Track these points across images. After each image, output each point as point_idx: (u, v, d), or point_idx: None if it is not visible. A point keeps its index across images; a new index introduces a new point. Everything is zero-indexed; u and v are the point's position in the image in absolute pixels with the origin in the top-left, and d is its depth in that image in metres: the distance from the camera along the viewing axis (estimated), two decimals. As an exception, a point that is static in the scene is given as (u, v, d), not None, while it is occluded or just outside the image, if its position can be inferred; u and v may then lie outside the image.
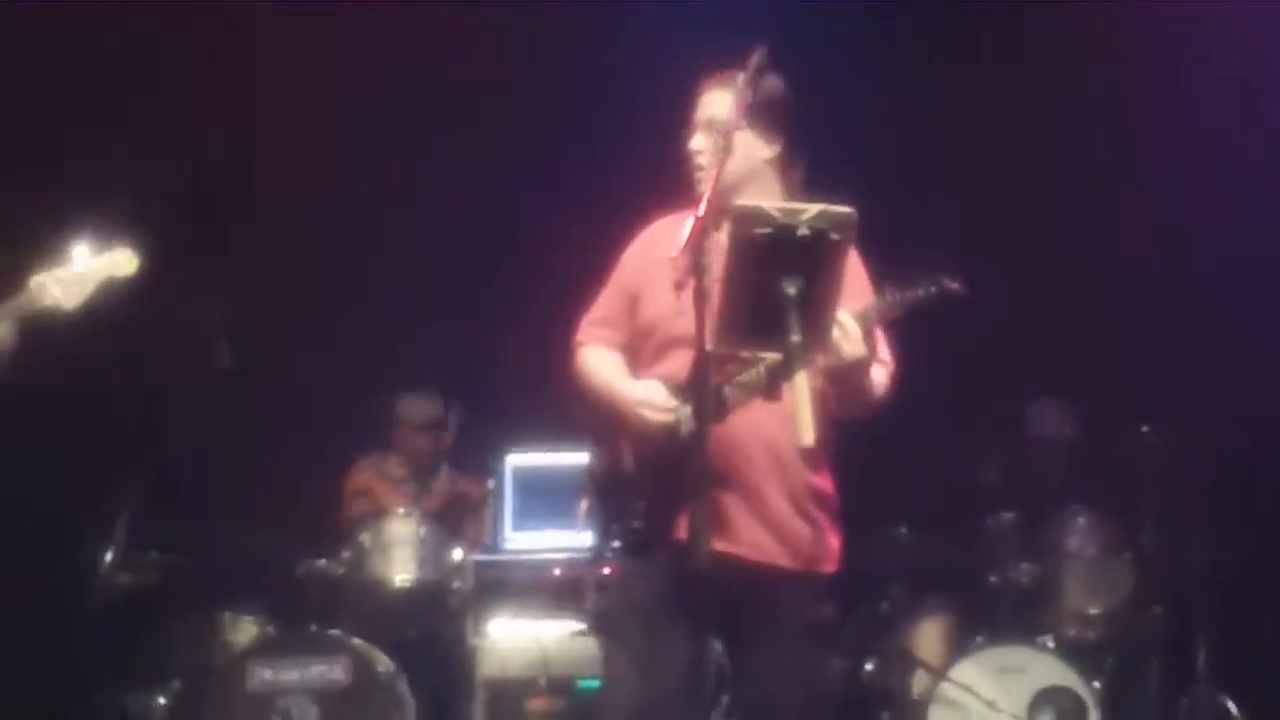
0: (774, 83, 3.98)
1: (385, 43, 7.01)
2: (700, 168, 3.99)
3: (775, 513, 3.88)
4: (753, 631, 3.92)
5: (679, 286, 3.68)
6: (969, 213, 7.02)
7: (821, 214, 3.45)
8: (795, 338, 3.42)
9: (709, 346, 3.51)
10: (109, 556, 6.15)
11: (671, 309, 3.87)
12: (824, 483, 4.00)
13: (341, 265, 7.21)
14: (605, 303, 4.20)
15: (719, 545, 3.62)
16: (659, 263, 3.96)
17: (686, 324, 3.67)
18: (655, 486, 3.89)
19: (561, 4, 7.04)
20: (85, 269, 4.45)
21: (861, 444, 4.10)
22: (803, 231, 3.44)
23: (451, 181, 7.15)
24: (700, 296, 3.50)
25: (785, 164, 4.04)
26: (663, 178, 4.07)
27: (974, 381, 6.78)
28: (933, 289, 3.76)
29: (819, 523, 3.95)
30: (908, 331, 3.95)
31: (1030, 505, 6.47)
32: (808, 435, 3.43)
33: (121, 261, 4.49)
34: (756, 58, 3.63)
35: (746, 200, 3.73)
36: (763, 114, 3.93)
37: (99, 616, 6.16)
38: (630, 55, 6.86)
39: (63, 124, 6.65)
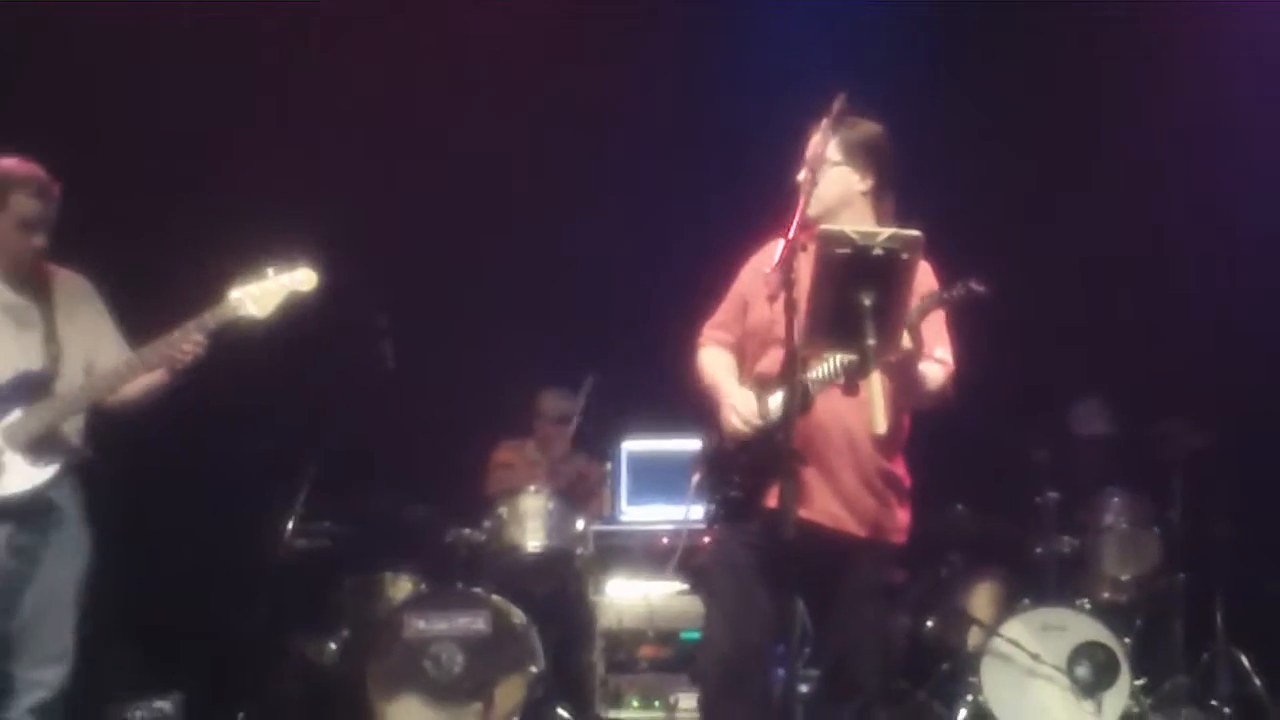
0: (872, 127, 4.17)
1: (534, 61, 6.92)
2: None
3: (848, 488, 4.00)
4: (830, 590, 4.00)
5: (771, 298, 3.83)
6: (1022, 226, 7.02)
7: (893, 236, 3.60)
8: (870, 341, 3.55)
9: (797, 348, 3.65)
10: (290, 525, 6.34)
11: (768, 316, 4.00)
12: (895, 466, 4.12)
13: (485, 274, 7.23)
14: (723, 310, 4.35)
15: (802, 513, 3.77)
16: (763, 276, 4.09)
17: (779, 328, 3.84)
18: (749, 462, 4.01)
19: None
20: (273, 284, 4.57)
21: (926, 433, 4.19)
22: (877, 251, 3.58)
23: (580, 202, 7.16)
24: (790, 306, 3.64)
25: (877, 196, 4.16)
26: (779, 204, 4.11)
27: (1025, 378, 6.77)
28: (961, 291, 3.88)
29: (888, 500, 4.06)
30: (968, 336, 4.08)
31: (1072, 486, 6.50)
32: (880, 424, 3.56)
33: (303, 279, 4.61)
34: (837, 104, 3.77)
35: (836, 225, 3.87)
36: (859, 153, 4.12)
37: (282, 575, 6.33)
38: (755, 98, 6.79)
39: (254, 161, 6.72)
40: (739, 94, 7.01)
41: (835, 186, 4.11)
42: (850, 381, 3.87)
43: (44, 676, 4.54)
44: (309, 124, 6.87)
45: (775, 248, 3.99)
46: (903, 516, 4.15)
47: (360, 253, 6.39)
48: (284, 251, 4.64)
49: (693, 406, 4.40)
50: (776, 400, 3.97)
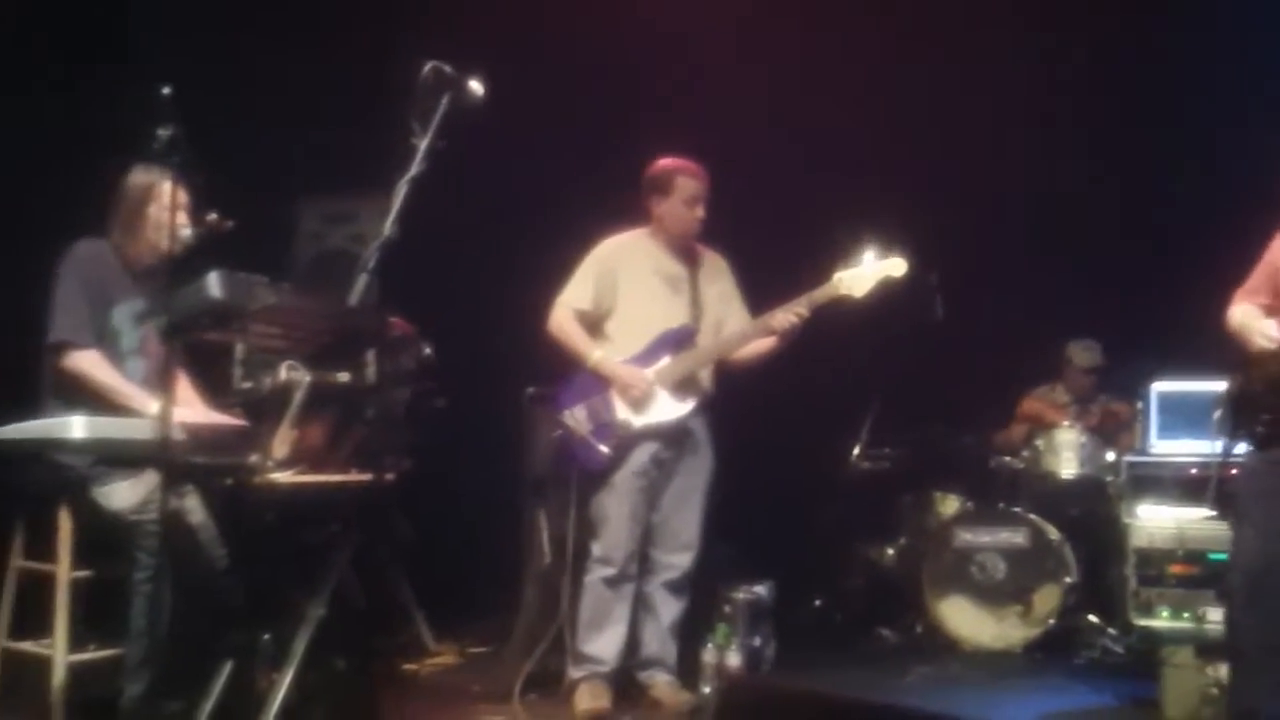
0: None
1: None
2: None
3: None
4: None
5: None
6: None
7: None
8: None
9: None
10: (856, 450, 6.51)
11: None
12: None
13: (1019, 233, 6.90)
14: (1254, 278, 4.15)
15: None
16: None
17: None
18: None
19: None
20: (870, 269, 4.62)
21: None
22: None
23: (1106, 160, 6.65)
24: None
25: None
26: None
27: None
28: None
29: None
30: None
31: None
32: None
33: (895, 266, 4.64)
34: None
35: None
36: None
37: (850, 491, 6.52)
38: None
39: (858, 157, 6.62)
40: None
41: None
42: None
43: (675, 560, 4.87)
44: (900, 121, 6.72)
45: None
46: None
47: (919, 222, 6.20)
48: (880, 240, 4.65)
49: (1215, 353, 4.19)
50: None
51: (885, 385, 6.50)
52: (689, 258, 4.95)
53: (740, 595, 5.31)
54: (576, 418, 4.77)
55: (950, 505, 6.43)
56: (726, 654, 5.14)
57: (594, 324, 4.85)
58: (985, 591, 5.99)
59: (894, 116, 6.66)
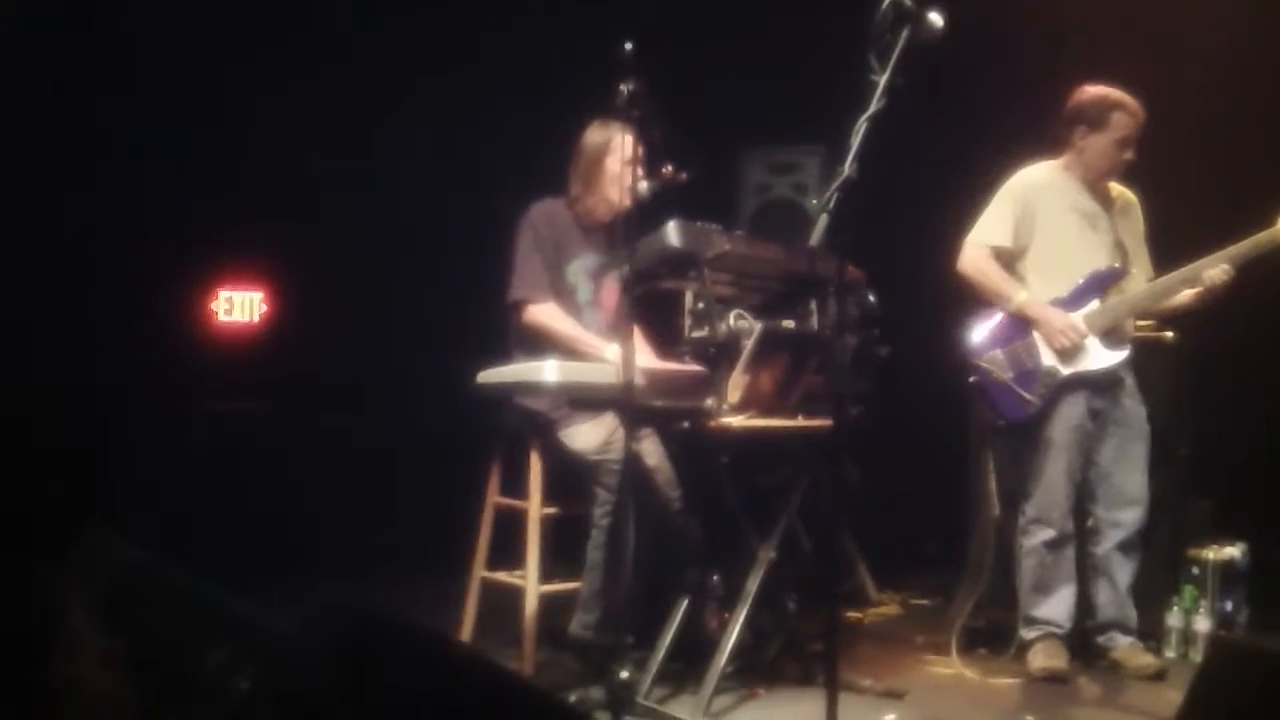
0: None
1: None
2: None
3: None
4: None
5: None
6: None
7: None
8: None
9: None
10: None
11: None
12: None
13: None
14: None
15: None
16: None
17: None
18: None
19: None
20: None
21: None
22: None
23: None
24: None
25: None
26: None
27: None
28: None
29: None
30: None
31: None
32: None
33: None
34: None
35: None
36: None
37: None
38: None
39: None
40: None
41: None
42: None
43: (1124, 517, 4.59)
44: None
45: None
46: None
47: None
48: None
49: None
50: None
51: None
52: (1102, 193, 4.65)
53: (1211, 556, 4.97)
54: (997, 362, 4.57)
55: None
56: (1194, 618, 4.83)
57: (1007, 263, 4.63)
58: None
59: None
